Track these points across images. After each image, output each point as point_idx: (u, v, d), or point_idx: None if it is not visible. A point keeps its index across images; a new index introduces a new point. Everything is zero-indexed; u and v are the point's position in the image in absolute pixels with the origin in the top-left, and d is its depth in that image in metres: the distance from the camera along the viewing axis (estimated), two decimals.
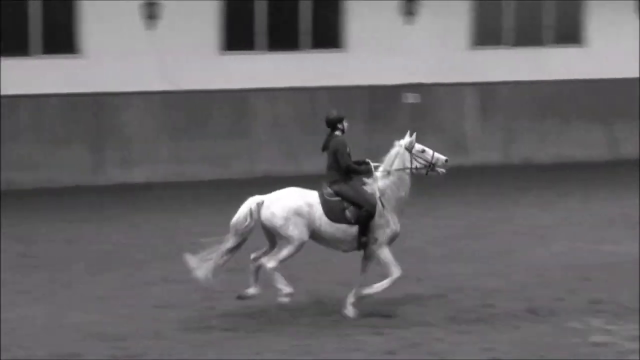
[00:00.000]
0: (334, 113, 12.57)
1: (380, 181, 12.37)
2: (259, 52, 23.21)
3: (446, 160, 12.56)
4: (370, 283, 12.30)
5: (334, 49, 23.61)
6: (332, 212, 12.15)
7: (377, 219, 12.20)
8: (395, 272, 12.20)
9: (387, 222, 12.25)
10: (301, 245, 12.17)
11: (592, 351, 10.93)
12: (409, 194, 12.42)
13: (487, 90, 24.33)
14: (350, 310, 12.23)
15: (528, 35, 24.54)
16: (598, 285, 13.47)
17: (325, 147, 12.50)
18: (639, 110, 25.10)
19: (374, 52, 23.54)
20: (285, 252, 12.13)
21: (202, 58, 22.77)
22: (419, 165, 12.43)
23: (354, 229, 12.21)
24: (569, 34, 24.80)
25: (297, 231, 12.06)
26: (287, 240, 12.11)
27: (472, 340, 11.30)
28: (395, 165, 12.38)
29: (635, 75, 24.84)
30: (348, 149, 12.36)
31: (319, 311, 12.45)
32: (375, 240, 12.24)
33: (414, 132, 12.62)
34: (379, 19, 23.64)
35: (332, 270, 14.37)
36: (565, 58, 24.58)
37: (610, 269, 14.29)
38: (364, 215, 12.14)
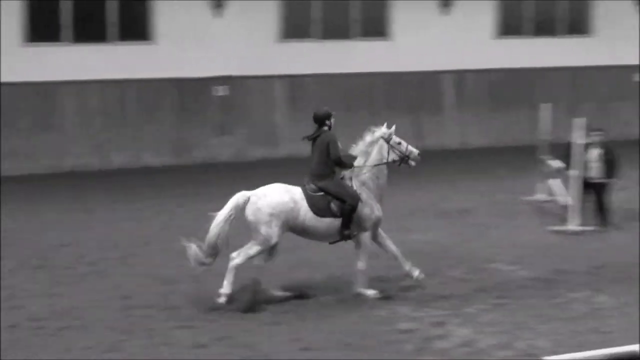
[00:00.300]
0: (322, 109, 12.76)
1: (360, 174, 12.67)
2: (64, 44, 22.75)
3: (418, 154, 13.01)
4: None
5: (142, 42, 23.37)
6: (317, 206, 12.37)
7: (362, 210, 12.50)
8: (362, 265, 12.68)
9: (372, 209, 12.60)
10: (270, 245, 12.27)
11: (398, 338, 11.17)
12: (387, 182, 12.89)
13: (295, 83, 24.54)
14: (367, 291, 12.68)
15: (336, 29, 24.87)
16: None
17: (312, 140, 12.63)
18: (444, 102, 25.86)
19: (183, 45, 23.43)
20: (255, 249, 12.23)
21: (5, 49, 22.16)
22: (395, 158, 12.87)
23: (339, 222, 12.47)
24: (375, 28, 25.26)
25: (275, 230, 12.16)
26: (261, 237, 12.16)
27: (282, 331, 11.39)
28: (374, 155, 12.75)
29: (438, 68, 25.54)
30: (339, 144, 12.55)
31: (127, 306, 12.31)
32: (362, 227, 12.61)
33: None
34: (187, 12, 23.53)
35: (140, 264, 14.28)
36: (372, 51, 25.04)
37: (418, 257, 14.56)
38: (347, 209, 12.42)
